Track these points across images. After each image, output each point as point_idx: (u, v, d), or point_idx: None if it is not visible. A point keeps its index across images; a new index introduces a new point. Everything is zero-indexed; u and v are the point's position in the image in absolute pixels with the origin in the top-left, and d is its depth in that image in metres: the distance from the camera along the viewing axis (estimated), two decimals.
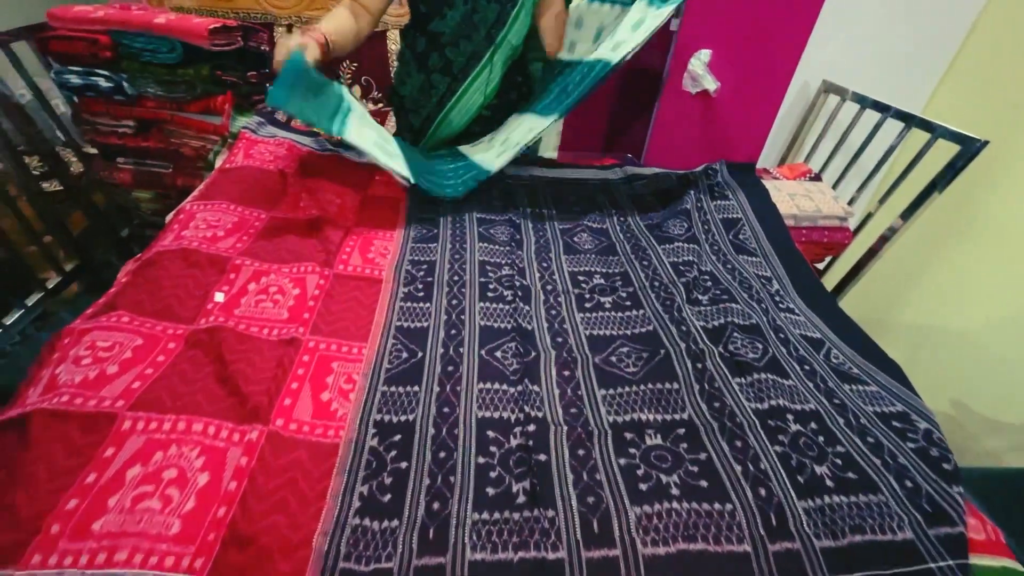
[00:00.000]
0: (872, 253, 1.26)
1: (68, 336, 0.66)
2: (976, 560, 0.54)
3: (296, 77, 0.86)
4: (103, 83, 1.14)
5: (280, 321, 0.75)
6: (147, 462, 0.54)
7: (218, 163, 1.12)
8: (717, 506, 0.57)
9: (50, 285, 1.14)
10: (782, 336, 0.82)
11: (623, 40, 1.06)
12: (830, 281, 1.35)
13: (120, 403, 0.59)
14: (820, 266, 1.32)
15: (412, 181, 1.04)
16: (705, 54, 1.54)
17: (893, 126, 1.28)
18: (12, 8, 1.25)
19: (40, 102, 1.27)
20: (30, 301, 1.09)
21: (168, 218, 0.95)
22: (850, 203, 1.29)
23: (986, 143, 1.07)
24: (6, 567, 0.45)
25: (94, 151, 1.27)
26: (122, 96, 1.16)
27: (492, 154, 1.17)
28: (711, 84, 1.55)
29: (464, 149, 1.26)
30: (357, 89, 1.88)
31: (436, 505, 0.55)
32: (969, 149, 1.09)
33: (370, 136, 1.03)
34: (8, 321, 1.02)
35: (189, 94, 1.18)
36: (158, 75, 1.16)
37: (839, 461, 0.62)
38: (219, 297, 0.76)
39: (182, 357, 0.67)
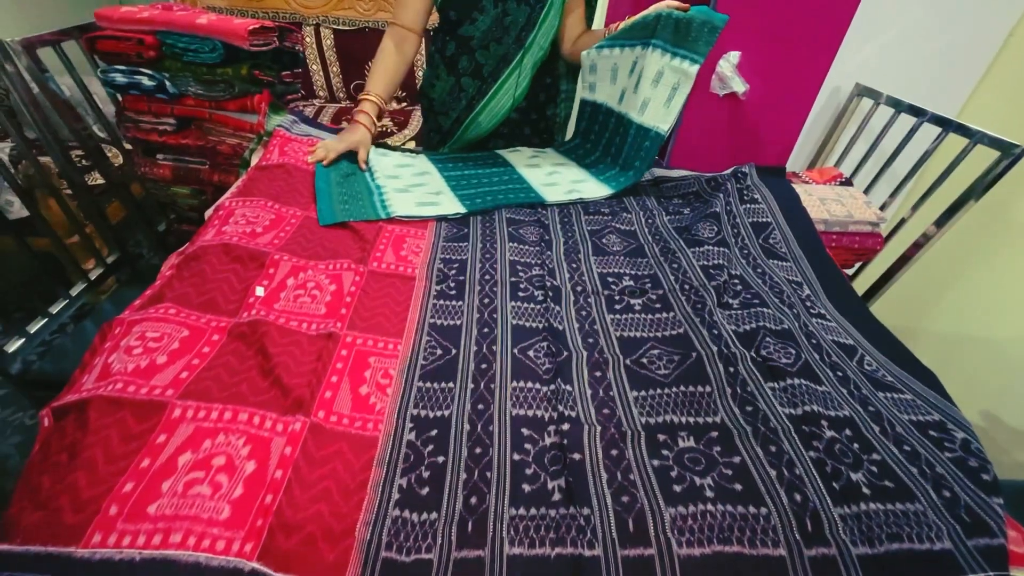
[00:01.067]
0: (904, 260, 1.24)
1: (119, 326, 0.69)
2: (1016, 573, 0.54)
3: (327, 188, 1.01)
4: (146, 82, 1.18)
5: (318, 316, 0.77)
6: (197, 449, 0.56)
7: (254, 160, 1.15)
8: (752, 509, 0.57)
9: (92, 276, 1.18)
10: (814, 342, 0.81)
11: (649, 98, 1.13)
12: (860, 287, 1.34)
13: (170, 392, 0.61)
14: (850, 272, 1.30)
15: (466, 211, 1.06)
16: (734, 56, 1.53)
17: (928, 131, 1.26)
18: (61, 8, 1.30)
19: (86, 99, 1.31)
20: (74, 291, 1.13)
21: (208, 213, 0.98)
22: (882, 208, 1.27)
23: None
24: (69, 545, 0.48)
25: (132, 148, 1.32)
26: (164, 95, 1.20)
27: (549, 186, 1.21)
28: (740, 87, 1.54)
29: (507, 156, 1.28)
30: None
31: (474, 499, 0.56)
32: (1009, 155, 1.07)
33: (411, 200, 1.08)
34: (54, 311, 1.06)
35: (227, 93, 1.21)
36: (198, 74, 1.19)
37: (875, 469, 0.61)
38: (260, 291, 0.78)
39: (226, 349, 0.69)
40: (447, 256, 0.94)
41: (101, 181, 1.50)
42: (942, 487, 0.60)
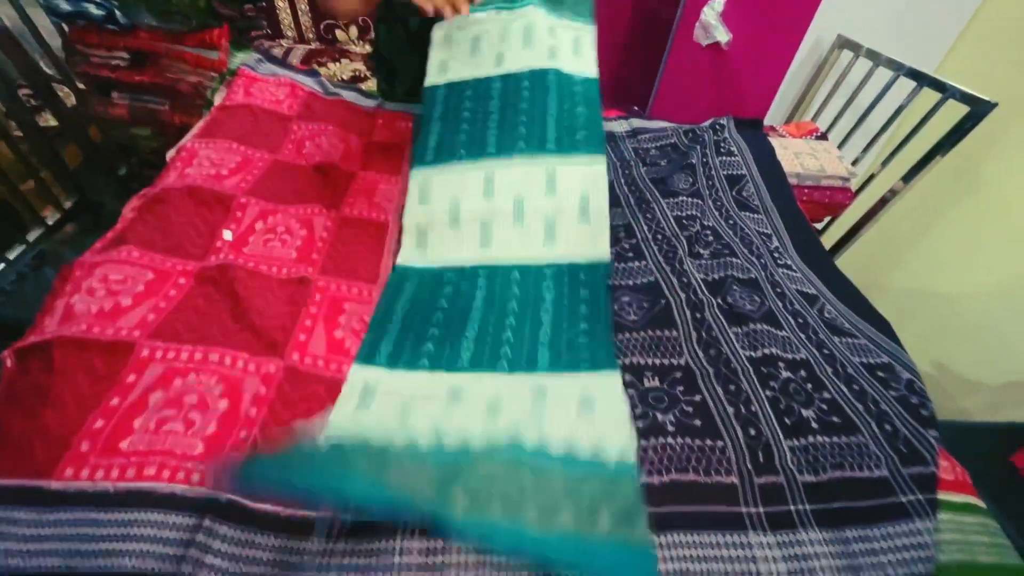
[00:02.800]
0: (871, 215, 1.27)
1: (80, 269, 0.67)
2: (944, 496, 0.59)
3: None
4: (94, 10, 1.09)
5: (289, 261, 0.76)
6: (168, 388, 0.56)
7: (217, 100, 1.09)
8: (709, 442, 0.60)
9: (50, 222, 1.13)
10: (779, 291, 0.84)
11: (555, 46, 0.92)
12: (827, 241, 1.37)
13: (137, 333, 0.60)
14: (819, 226, 1.33)
15: None
16: (719, 3, 1.48)
17: (904, 86, 1.26)
18: None
19: (30, 30, 1.22)
20: (31, 237, 1.08)
21: (169, 155, 0.93)
22: (854, 163, 1.29)
23: (995, 105, 1.06)
24: (42, 478, 0.48)
25: (84, 86, 1.24)
26: (114, 25, 1.12)
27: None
28: (723, 36, 1.51)
29: None
30: (354, 30, 1.79)
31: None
32: (978, 111, 1.09)
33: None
34: (11, 256, 1.02)
35: (184, 26, 1.13)
36: (151, 4, 1.11)
37: (825, 406, 0.65)
38: (227, 235, 0.77)
39: (194, 292, 0.68)
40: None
41: (54, 123, 1.41)
42: (884, 421, 0.64)
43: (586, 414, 0.60)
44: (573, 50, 0.93)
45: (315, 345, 0.65)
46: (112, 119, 1.22)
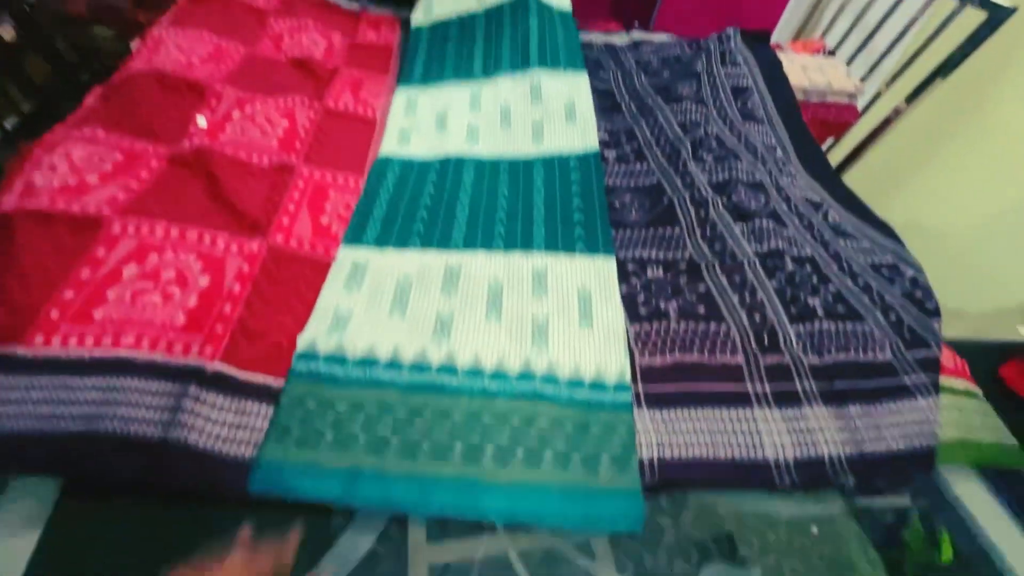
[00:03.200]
0: (874, 136, 1.24)
1: (39, 147, 0.61)
2: (944, 381, 0.59)
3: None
4: None
5: (271, 150, 0.70)
6: (143, 262, 0.52)
7: None
8: (713, 326, 0.59)
9: (9, 126, 1.04)
10: (784, 195, 0.81)
11: None
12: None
13: (107, 210, 0.56)
14: (822, 148, 1.29)
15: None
16: None
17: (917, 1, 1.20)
18: None
19: None
20: None
21: (134, 44, 0.85)
22: (861, 82, 1.24)
23: (1013, 11, 1.02)
24: (9, 345, 0.45)
25: None
26: None
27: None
28: None
29: None
30: None
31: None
32: (995, 17, 1.04)
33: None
34: None
35: None
36: None
37: (830, 297, 0.64)
38: (202, 122, 0.71)
39: (168, 175, 0.63)
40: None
41: (12, 36, 1.29)
42: (889, 311, 0.63)
43: (585, 326, 0.57)
44: None
45: (300, 228, 0.61)
46: (70, 17, 1.12)
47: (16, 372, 0.44)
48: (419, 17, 0.98)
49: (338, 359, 0.50)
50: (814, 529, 0.52)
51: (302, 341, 0.50)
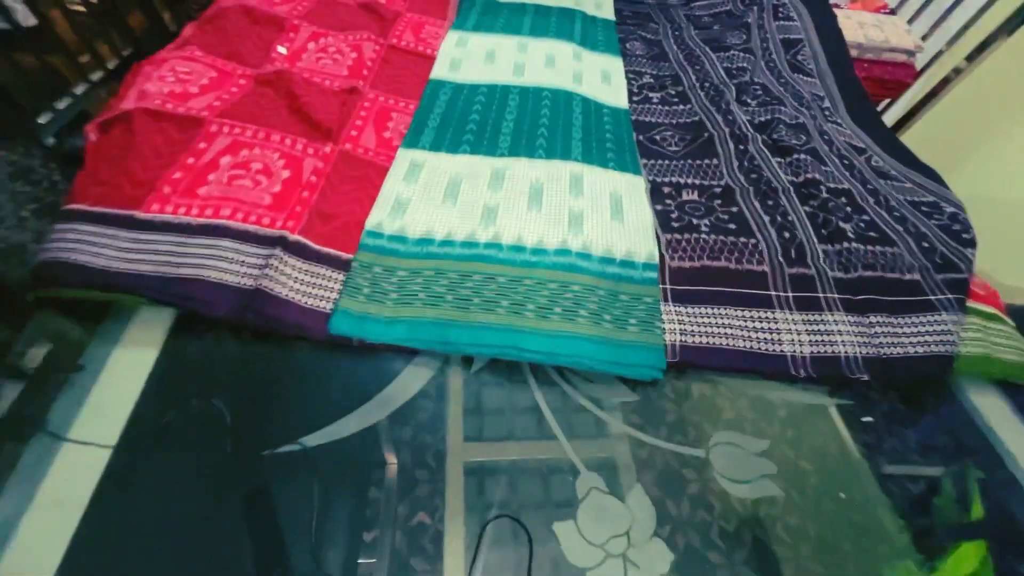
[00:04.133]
0: (932, 96, 1.20)
1: (149, 64, 0.71)
2: (972, 304, 0.60)
3: None
4: None
5: (341, 76, 0.78)
6: (236, 155, 0.61)
7: None
8: (742, 239, 0.62)
9: (111, 66, 1.17)
10: (827, 138, 0.83)
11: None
12: None
13: (205, 113, 0.64)
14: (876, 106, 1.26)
15: None
16: None
17: None
18: None
19: None
20: (94, 77, 1.13)
21: None
22: (923, 39, 1.21)
23: None
24: (131, 209, 0.54)
25: None
26: None
27: None
28: None
29: None
30: None
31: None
32: None
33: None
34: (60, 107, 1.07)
35: None
36: None
37: (863, 224, 0.66)
38: (282, 50, 0.79)
39: (254, 92, 0.71)
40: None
41: None
42: (922, 240, 0.64)
43: (616, 220, 0.62)
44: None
45: (366, 139, 0.68)
46: None
47: (136, 229, 0.53)
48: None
49: (400, 238, 0.57)
50: (842, 494, 0.55)
51: (370, 222, 0.57)
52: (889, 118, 1.29)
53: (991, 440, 0.54)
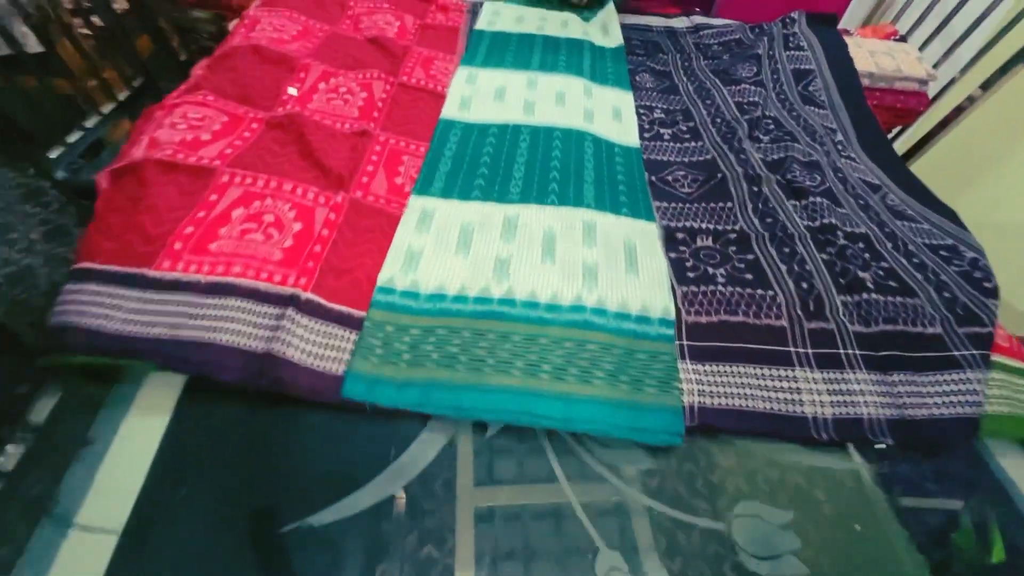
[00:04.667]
0: (944, 125, 1.19)
1: (161, 109, 0.71)
2: (997, 358, 0.58)
3: None
4: None
5: (352, 118, 0.77)
6: (248, 207, 0.60)
7: None
8: (760, 291, 0.61)
9: (122, 97, 1.18)
10: (840, 176, 0.82)
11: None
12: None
13: (217, 162, 0.64)
14: (887, 135, 1.25)
15: None
16: None
17: None
18: None
19: None
20: (89, 123, 1.13)
21: (231, 24, 0.95)
22: (935, 67, 1.20)
23: None
24: (142, 267, 0.53)
25: None
26: None
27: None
28: None
29: None
30: None
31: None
32: None
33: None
34: (90, 124, 1.08)
35: None
36: None
37: (882, 272, 0.64)
38: (292, 91, 0.79)
39: (266, 136, 0.71)
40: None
41: (125, 7, 1.43)
42: (943, 290, 0.63)
43: (631, 273, 0.61)
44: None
45: (376, 186, 0.67)
46: (173, 1, 1.24)
47: (147, 289, 0.52)
48: (483, 25, 1.08)
49: (412, 294, 0.56)
50: (857, 526, 0.54)
51: (382, 277, 0.57)
52: (900, 146, 1.28)
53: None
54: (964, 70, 1.18)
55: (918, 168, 1.30)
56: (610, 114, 0.90)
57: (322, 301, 0.54)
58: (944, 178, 1.52)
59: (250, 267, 0.55)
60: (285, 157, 0.68)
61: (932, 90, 1.17)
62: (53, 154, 1.02)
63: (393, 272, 0.58)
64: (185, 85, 0.78)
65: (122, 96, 1.20)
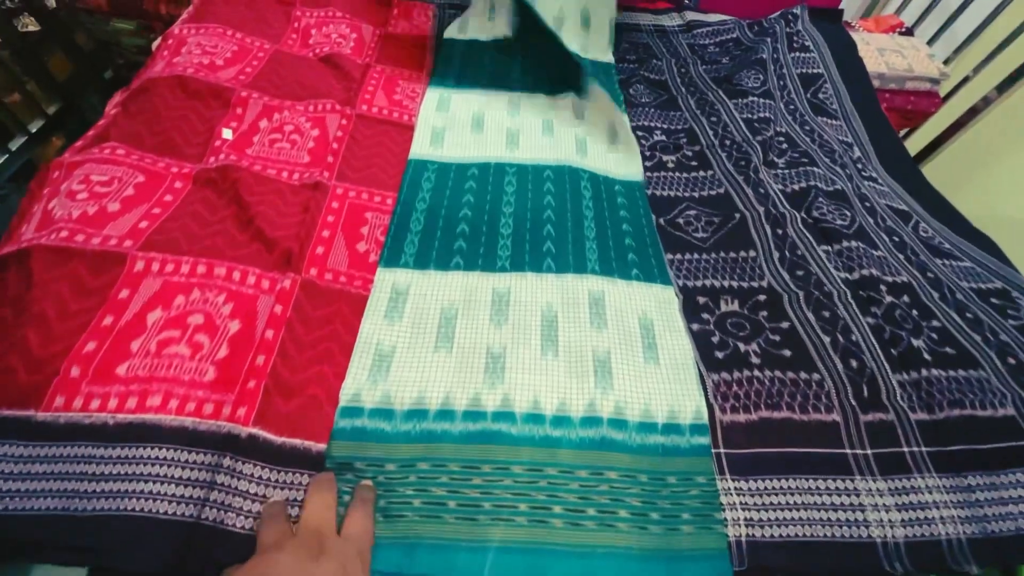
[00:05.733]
0: (958, 126, 1.11)
1: (57, 169, 0.57)
2: None
3: None
4: None
5: (301, 164, 0.64)
6: (168, 306, 0.47)
7: None
8: (803, 375, 0.51)
9: (33, 129, 1.01)
10: (868, 205, 0.72)
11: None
12: None
13: (128, 243, 0.51)
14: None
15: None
16: None
17: None
18: None
19: None
20: (13, 146, 0.97)
21: (155, 44, 0.80)
22: (945, 64, 1.11)
23: None
24: (27, 408, 0.41)
25: None
26: None
27: None
28: None
29: None
30: None
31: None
32: None
33: None
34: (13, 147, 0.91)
35: None
36: None
37: (935, 335, 0.55)
38: (227, 134, 0.65)
39: (193, 197, 0.58)
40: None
41: (35, 28, 1.25)
42: (1007, 354, 0.54)
43: (651, 361, 0.51)
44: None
45: (335, 259, 0.55)
46: (90, 9, 1.07)
47: (36, 440, 0.40)
48: (453, 32, 0.93)
49: (385, 412, 0.45)
50: None
51: (345, 393, 0.45)
52: (911, 147, 1.20)
53: None
54: (978, 68, 1.09)
55: (928, 172, 1.23)
56: (606, 136, 0.78)
57: (269, 436, 0.42)
58: (951, 168, 1.45)
59: (172, 395, 0.43)
60: (218, 227, 0.55)
61: (943, 89, 1.08)
62: None
63: (359, 383, 0.46)
64: (94, 129, 0.64)
65: (35, 128, 1.03)
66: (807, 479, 0.46)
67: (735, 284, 0.60)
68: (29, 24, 1.24)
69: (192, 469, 0.39)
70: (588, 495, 0.42)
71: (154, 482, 0.39)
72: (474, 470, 0.42)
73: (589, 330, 0.52)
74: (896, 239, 0.68)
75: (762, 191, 0.70)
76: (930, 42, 1.17)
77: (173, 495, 0.38)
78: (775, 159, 0.77)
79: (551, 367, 0.49)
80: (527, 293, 0.54)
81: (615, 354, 0.50)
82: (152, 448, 0.40)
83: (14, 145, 0.95)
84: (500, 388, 0.47)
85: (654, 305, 0.55)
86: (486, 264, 0.57)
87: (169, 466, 0.39)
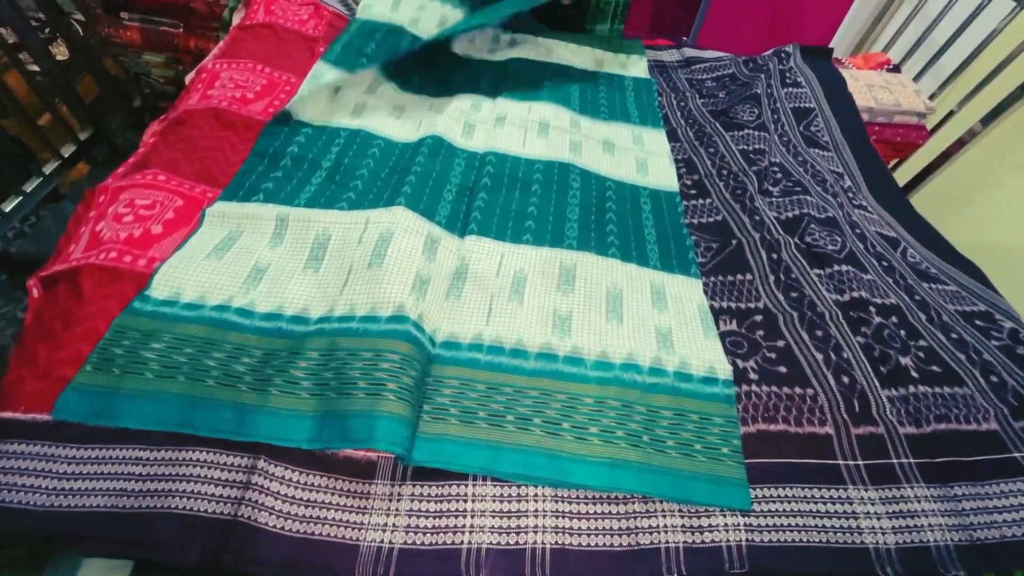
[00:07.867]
0: (945, 158, 1.16)
1: (103, 194, 0.61)
2: None
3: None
4: None
5: None
6: None
7: (235, 21, 1.00)
8: (798, 390, 0.55)
9: (66, 154, 1.06)
10: (858, 231, 0.76)
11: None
12: None
13: None
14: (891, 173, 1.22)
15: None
16: None
17: (997, 11, 1.12)
18: None
19: None
20: (48, 169, 1.02)
21: (188, 78, 0.86)
22: (931, 99, 1.17)
23: None
24: None
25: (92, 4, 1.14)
26: None
27: None
28: None
29: None
30: None
31: None
32: None
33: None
34: (28, 188, 0.96)
35: None
36: None
37: (922, 354, 0.59)
38: None
39: None
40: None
41: (66, 56, 1.32)
42: (990, 372, 0.58)
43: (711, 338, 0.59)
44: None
45: None
46: (123, 43, 1.14)
47: (82, 442, 0.43)
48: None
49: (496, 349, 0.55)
50: None
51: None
52: (899, 179, 1.25)
53: None
54: (963, 103, 1.15)
55: (916, 202, 1.27)
56: (601, 148, 0.88)
57: None
58: (938, 197, 1.50)
59: None
60: None
61: (930, 123, 1.14)
62: (7, 206, 0.91)
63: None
64: (134, 156, 0.69)
65: (67, 153, 1.08)
66: (803, 488, 0.48)
67: (733, 305, 0.64)
68: (58, 53, 1.32)
69: (228, 470, 0.43)
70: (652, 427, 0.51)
71: (194, 482, 0.42)
72: (548, 398, 0.51)
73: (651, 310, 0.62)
74: (885, 263, 0.72)
75: (757, 218, 0.75)
76: (917, 78, 1.23)
77: (213, 494, 0.41)
78: (770, 188, 0.82)
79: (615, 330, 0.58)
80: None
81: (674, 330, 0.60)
82: (193, 451, 0.43)
83: (48, 169, 1.01)
84: (568, 339, 0.56)
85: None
86: (554, 241, 0.68)
87: (208, 467, 0.43)
